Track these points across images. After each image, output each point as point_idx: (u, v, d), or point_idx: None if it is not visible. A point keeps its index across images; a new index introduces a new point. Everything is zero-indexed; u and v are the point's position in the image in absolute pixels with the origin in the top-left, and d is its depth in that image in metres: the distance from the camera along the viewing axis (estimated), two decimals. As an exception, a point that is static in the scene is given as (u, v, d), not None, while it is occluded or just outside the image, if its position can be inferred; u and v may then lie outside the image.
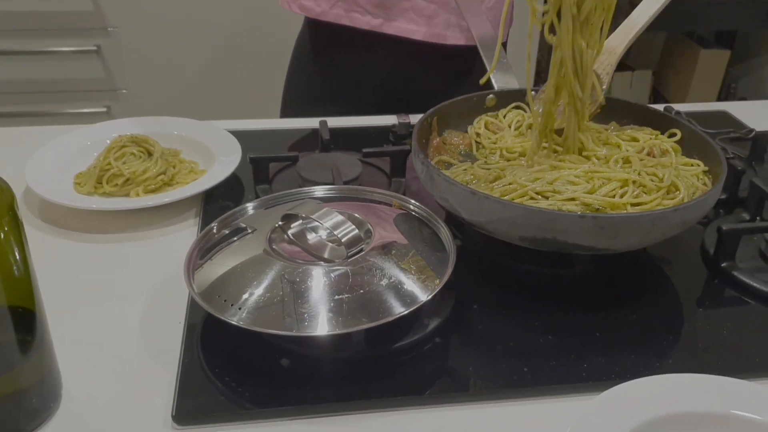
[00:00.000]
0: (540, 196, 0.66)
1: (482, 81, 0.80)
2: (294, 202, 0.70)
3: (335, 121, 0.96)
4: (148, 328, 0.63)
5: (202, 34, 1.91)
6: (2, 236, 0.47)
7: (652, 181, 0.67)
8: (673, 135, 0.78)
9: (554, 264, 0.70)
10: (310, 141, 0.96)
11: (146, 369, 0.59)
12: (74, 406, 0.55)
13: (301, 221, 0.65)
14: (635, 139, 0.77)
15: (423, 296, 0.58)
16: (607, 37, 0.71)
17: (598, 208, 0.65)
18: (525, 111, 0.84)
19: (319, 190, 0.73)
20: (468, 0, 0.97)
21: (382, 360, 0.60)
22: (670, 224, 0.63)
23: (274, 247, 0.62)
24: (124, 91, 1.95)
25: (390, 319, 0.56)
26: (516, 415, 0.56)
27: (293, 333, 0.56)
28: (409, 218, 0.68)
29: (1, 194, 0.47)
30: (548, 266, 0.71)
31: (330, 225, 0.61)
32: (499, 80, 0.89)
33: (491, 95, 0.85)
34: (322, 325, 0.56)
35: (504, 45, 1.13)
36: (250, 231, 0.66)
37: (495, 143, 0.79)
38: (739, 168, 0.81)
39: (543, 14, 0.69)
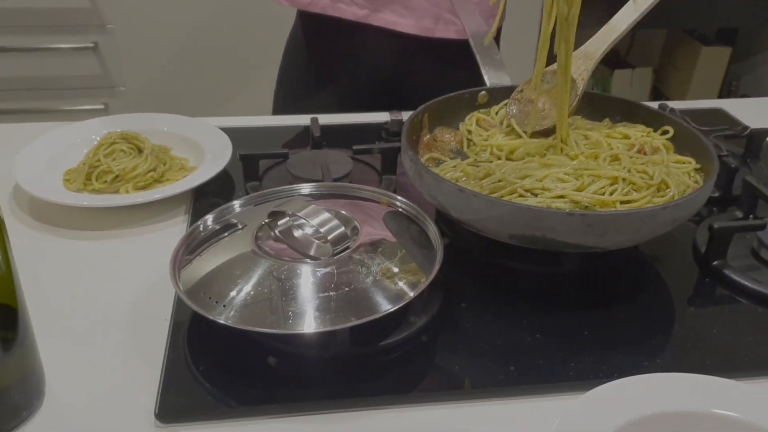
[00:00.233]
0: (529, 194, 0.66)
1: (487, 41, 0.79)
2: (282, 200, 0.69)
3: (328, 119, 0.95)
4: (134, 325, 0.63)
5: (199, 31, 1.90)
6: (-18, 233, 0.47)
7: (642, 178, 0.67)
8: (665, 132, 0.77)
9: (544, 262, 0.70)
10: (303, 138, 0.96)
11: (131, 366, 0.58)
12: (57, 404, 0.55)
13: (288, 218, 0.64)
14: (627, 136, 0.76)
15: (409, 294, 0.58)
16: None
17: (587, 206, 0.64)
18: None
19: (308, 188, 0.72)
20: None
21: (368, 358, 0.60)
22: (659, 222, 0.62)
23: (260, 244, 0.62)
24: (122, 88, 1.95)
25: (376, 316, 0.56)
26: (502, 414, 0.55)
27: (279, 331, 0.56)
28: (397, 216, 0.68)
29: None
30: (538, 264, 0.70)
31: (316, 222, 0.61)
32: (491, 77, 0.89)
33: (483, 92, 0.84)
34: (308, 323, 0.56)
35: (497, 41, 1.12)
36: (237, 228, 0.66)
37: (486, 140, 0.79)
38: (733, 166, 0.80)
39: None
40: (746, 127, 0.93)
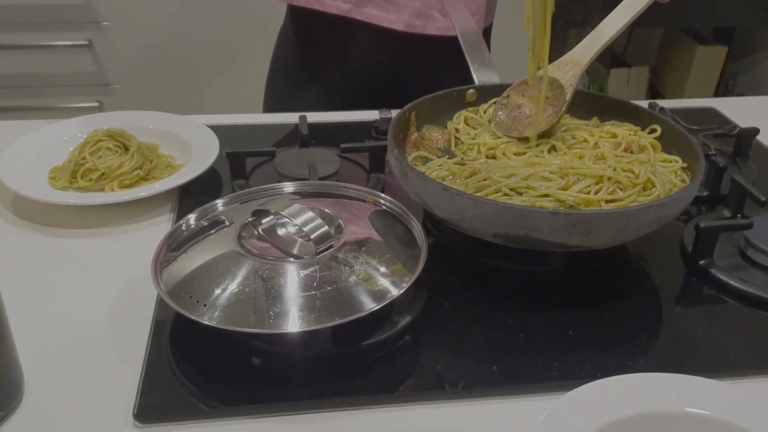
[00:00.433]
0: (514, 193, 0.65)
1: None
2: (267, 198, 0.69)
3: (317, 117, 0.95)
4: (116, 324, 0.62)
5: (195, 28, 1.90)
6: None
7: (627, 177, 0.66)
8: (653, 131, 0.77)
9: (529, 261, 0.70)
10: (292, 136, 0.96)
11: (111, 366, 0.58)
12: (36, 404, 0.54)
13: (271, 217, 0.64)
14: (614, 135, 0.76)
15: (393, 292, 0.58)
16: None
17: (572, 205, 0.64)
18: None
19: (294, 186, 0.72)
20: None
21: (351, 358, 0.59)
22: (644, 221, 0.62)
23: (244, 243, 0.62)
24: (117, 85, 1.94)
25: (360, 315, 0.55)
26: (485, 413, 0.55)
27: (262, 330, 0.55)
28: (382, 214, 0.68)
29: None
30: (523, 263, 0.70)
31: (300, 221, 0.61)
32: (480, 75, 0.88)
33: (471, 90, 0.84)
34: (292, 323, 0.55)
35: (487, 39, 1.12)
36: (221, 227, 0.65)
37: (474, 139, 0.78)
38: (721, 165, 0.80)
39: None
40: (735, 126, 0.92)
